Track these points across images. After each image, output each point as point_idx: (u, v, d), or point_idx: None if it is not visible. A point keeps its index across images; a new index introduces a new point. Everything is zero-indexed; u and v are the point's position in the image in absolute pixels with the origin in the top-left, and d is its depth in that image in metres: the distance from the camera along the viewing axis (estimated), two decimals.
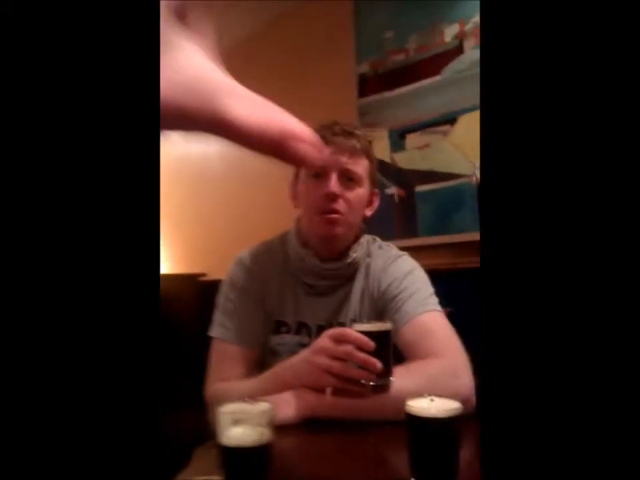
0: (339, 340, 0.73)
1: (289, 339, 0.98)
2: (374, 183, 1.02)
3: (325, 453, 0.70)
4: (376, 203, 1.04)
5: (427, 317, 0.91)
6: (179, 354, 0.97)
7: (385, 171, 1.97)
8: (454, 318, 0.93)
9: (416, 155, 1.91)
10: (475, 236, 1.71)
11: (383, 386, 0.73)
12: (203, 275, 2.49)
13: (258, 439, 0.51)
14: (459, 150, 1.79)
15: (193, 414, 0.95)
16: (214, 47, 0.33)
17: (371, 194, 1.02)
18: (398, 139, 1.97)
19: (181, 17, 0.31)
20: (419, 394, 0.58)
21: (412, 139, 1.93)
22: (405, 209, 1.92)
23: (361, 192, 0.96)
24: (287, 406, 0.78)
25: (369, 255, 1.03)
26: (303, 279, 1.00)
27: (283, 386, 0.81)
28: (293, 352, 0.88)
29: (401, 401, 0.58)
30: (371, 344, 0.71)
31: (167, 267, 3.14)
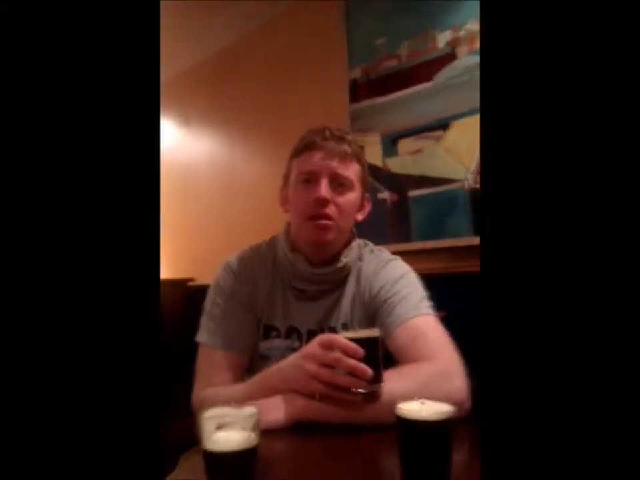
0: (328, 346, 0.72)
1: (279, 343, 0.97)
2: (365, 187, 1.01)
3: (314, 457, 0.68)
4: (367, 208, 1.04)
5: (419, 321, 0.89)
6: (166, 359, 0.95)
7: (377, 175, 1.96)
8: (448, 322, 0.91)
9: (409, 160, 1.91)
10: (469, 240, 1.70)
11: (372, 393, 0.72)
12: (191, 280, 2.47)
13: (243, 443, 0.50)
14: (452, 155, 1.79)
15: (181, 419, 0.93)
16: None
17: (363, 198, 1.01)
18: (390, 144, 1.96)
19: None
20: (412, 398, 0.57)
21: (404, 144, 1.92)
22: (398, 214, 1.92)
23: (352, 197, 0.95)
24: (276, 409, 0.76)
25: (360, 259, 1.02)
26: (292, 283, 0.99)
27: (270, 390, 0.79)
28: (283, 356, 0.87)
29: (394, 405, 0.56)
30: (359, 351, 0.70)
31: None
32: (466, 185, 1.74)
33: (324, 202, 0.91)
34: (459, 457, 0.55)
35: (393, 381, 0.74)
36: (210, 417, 0.52)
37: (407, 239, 1.88)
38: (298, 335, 0.97)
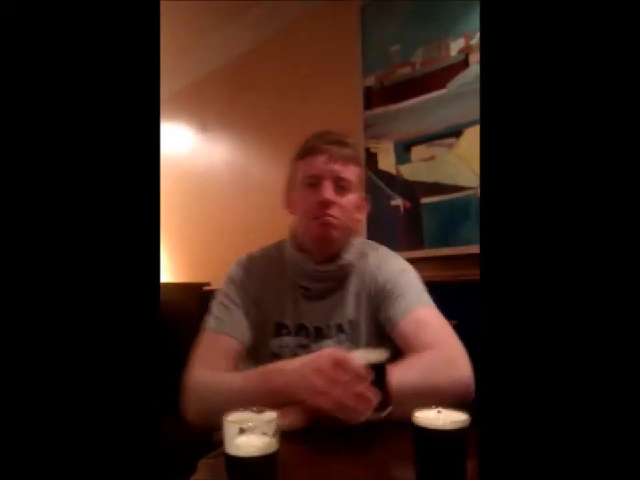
0: (339, 366, 0.73)
1: (289, 340, 1.01)
2: (362, 187, 1.09)
3: (329, 464, 0.70)
4: (367, 207, 1.11)
5: (423, 311, 0.94)
6: (179, 361, 0.97)
7: (390, 182, 1.97)
8: (460, 330, 0.93)
9: (421, 167, 1.92)
10: None
11: (376, 419, 0.72)
12: (207, 284, 2.50)
13: (265, 448, 0.51)
14: (465, 162, 1.79)
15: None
16: None
17: (362, 198, 1.08)
18: (403, 151, 1.97)
19: None
20: (420, 387, 0.58)
21: (417, 151, 1.93)
22: (410, 221, 1.93)
23: (352, 197, 1.02)
24: (293, 411, 0.77)
25: (362, 256, 1.06)
26: (299, 282, 1.04)
27: (268, 391, 0.79)
28: (294, 353, 0.93)
29: (404, 398, 0.57)
30: (368, 378, 0.71)
31: (172, 276, 3.15)
32: (478, 192, 1.75)
33: (328, 204, 0.97)
34: (472, 464, 0.56)
35: (400, 371, 0.76)
36: (232, 421, 0.53)
37: (419, 245, 1.89)
38: (306, 332, 1.02)
